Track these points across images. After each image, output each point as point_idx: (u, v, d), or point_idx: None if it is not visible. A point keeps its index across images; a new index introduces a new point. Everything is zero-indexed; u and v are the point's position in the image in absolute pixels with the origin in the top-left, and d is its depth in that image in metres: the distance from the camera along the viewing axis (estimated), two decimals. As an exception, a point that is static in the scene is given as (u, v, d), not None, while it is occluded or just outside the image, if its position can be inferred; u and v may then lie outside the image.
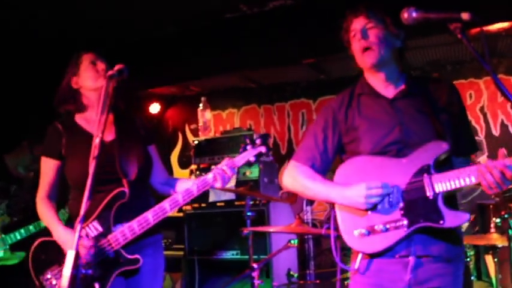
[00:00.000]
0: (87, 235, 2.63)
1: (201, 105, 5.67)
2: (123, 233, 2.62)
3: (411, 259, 2.03)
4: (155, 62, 5.19)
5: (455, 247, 2.09)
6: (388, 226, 2.03)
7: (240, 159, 2.75)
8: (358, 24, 2.16)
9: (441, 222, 1.97)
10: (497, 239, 3.53)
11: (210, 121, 5.73)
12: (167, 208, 2.66)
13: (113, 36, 4.98)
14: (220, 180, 2.68)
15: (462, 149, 2.16)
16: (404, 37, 2.21)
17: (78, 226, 1.94)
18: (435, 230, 2.00)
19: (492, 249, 3.65)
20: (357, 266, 2.13)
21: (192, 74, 5.69)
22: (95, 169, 2.02)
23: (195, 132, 6.55)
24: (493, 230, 3.59)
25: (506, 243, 3.40)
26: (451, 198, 2.09)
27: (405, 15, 1.88)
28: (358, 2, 2.20)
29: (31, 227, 3.94)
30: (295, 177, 2.28)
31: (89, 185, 2.00)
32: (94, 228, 2.64)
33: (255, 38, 4.82)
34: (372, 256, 2.09)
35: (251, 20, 4.70)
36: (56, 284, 2.66)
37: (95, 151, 2.08)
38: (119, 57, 2.50)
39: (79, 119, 2.84)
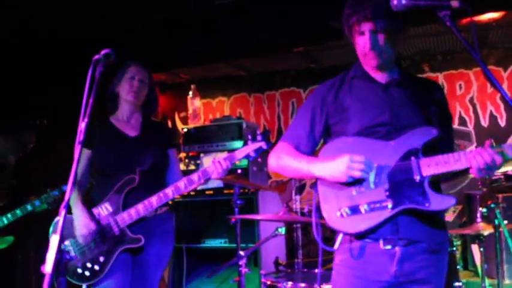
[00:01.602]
0: (99, 214, 3.07)
1: (190, 93, 5.65)
2: (129, 213, 3.02)
3: (398, 249, 2.02)
4: (144, 49, 5.15)
5: (439, 234, 2.10)
6: (372, 206, 2.02)
7: (240, 152, 3.01)
8: (365, 26, 2.10)
9: (427, 205, 1.98)
10: (483, 228, 3.56)
11: (199, 109, 5.71)
12: (170, 194, 3.02)
13: (102, 24, 4.92)
14: (216, 172, 2.99)
15: (445, 147, 2.16)
16: (405, 27, 2.18)
17: (62, 212, 1.93)
18: (420, 213, 2.01)
19: (478, 238, 3.67)
20: (336, 246, 2.12)
21: (181, 62, 5.65)
22: (80, 154, 2.03)
23: (184, 120, 6.53)
24: (479, 219, 3.62)
25: (492, 231, 3.43)
26: (436, 183, 2.10)
27: (395, 1, 1.87)
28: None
29: (18, 211, 3.98)
30: (279, 155, 2.27)
31: (73, 170, 1.99)
32: (105, 208, 3.07)
33: (246, 26, 4.80)
34: (356, 237, 2.08)
35: (241, 7, 4.66)
36: (69, 253, 3.09)
37: (80, 136, 2.07)
38: (108, 44, 2.49)
39: (112, 118, 3.30)
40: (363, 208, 2.03)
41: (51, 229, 3.19)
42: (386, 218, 2.01)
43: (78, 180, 3.15)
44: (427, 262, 2.05)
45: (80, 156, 3.06)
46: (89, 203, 3.15)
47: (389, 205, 2.01)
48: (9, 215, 3.98)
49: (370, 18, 2.05)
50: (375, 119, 2.13)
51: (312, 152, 2.27)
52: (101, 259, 3.02)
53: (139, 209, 3.01)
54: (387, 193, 2.02)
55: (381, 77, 2.22)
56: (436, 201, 1.98)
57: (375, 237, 2.05)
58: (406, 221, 2.03)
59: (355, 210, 2.04)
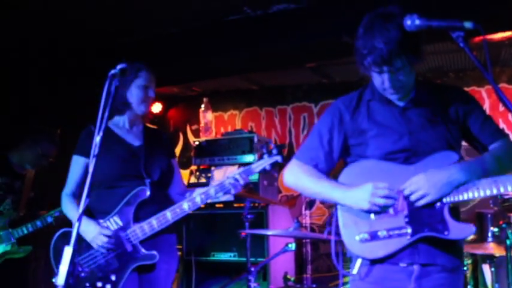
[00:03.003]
0: (107, 228, 2.88)
1: (202, 106, 5.68)
2: (142, 228, 2.86)
3: (416, 268, 2.02)
4: (157, 62, 5.19)
5: (457, 257, 2.09)
6: (391, 233, 2.01)
7: (257, 166, 2.93)
8: (383, 67, 2.00)
9: (446, 233, 1.96)
10: (494, 249, 3.53)
11: (211, 122, 5.74)
12: (186, 208, 2.88)
13: (115, 36, 4.98)
14: (234, 189, 2.87)
15: (488, 139, 2.12)
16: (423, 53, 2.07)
17: (76, 224, 1.95)
18: (439, 240, 1.99)
19: (489, 258, 3.64)
20: (355, 271, 2.11)
21: (194, 75, 5.69)
22: (95, 167, 2.03)
23: (196, 133, 6.56)
24: (490, 239, 3.59)
25: (503, 253, 3.40)
26: (456, 210, 2.07)
27: (408, 22, 1.87)
28: (360, 7, 2.14)
29: (38, 222, 4.06)
30: (299, 175, 2.23)
31: (88, 183, 2.01)
32: (114, 222, 2.90)
33: (258, 41, 4.83)
34: (373, 262, 2.08)
35: (254, 22, 4.70)
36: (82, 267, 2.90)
37: (95, 149, 2.09)
38: (121, 57, 2.52)
39: (111, 124, 3.07)
40: (382, 234, 2.03)
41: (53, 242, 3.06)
42: (405, 245, 2.01)
43: (73, 190, 3.02)
44: (444, 281, 2.04)
45: (76, 165, 3.00)
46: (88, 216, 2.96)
47: (409, 232, 2.00)
48: (29, 225, 4.06)
49: (387, 60, 1.94)
50: (395, 144, 2.10)
51: (330, 171, 2.24)
52: (113, 278, 2.85)
53: (154, 224, 2.86)
54: (406, 219, 2.01)
55: (396, 99, 2.17)
56: (455, 230, 1.96)
57: (393, 262, 2.04)
58: (426, 248, 2.02)
59: (373, 236, 2.04)
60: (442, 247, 2.03)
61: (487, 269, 4.22)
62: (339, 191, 2.11)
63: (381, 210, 2.03)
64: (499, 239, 3.56)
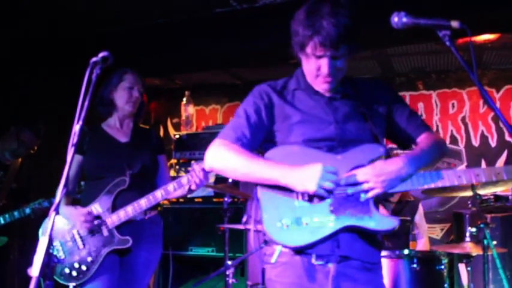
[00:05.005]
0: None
1: (184, 99, 5.64)
2: (118, 214, 3.06)
3: (331, 266, 1.96)
4: (141, 53, 5.14)
5: (374, 254, 2.06)
6: (315, 220, 1.94)
7: None
8: (326, 51, 1.95)
9: (371, 224, 1.94)
10: (471, 248, 3.56)
11: (192, 116, 5.70)
12: (158, 196, 3.06)
13: (98, 27, 4.91)
14: (205, 177, 3.01)
15: (415, 132, 2.15)
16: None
17: (52, 214, 1.91)
18: (361, 231, 1.96)
19: (466, 257, 3.68)
20: (274, 259, 1.99)
21: (177, 68, 5.64)
22: (73, 157, 2.00)
23: (176, 126, 6.51)
24: (468, 239, 3.63)
25: (480, 253, 3.43)
26: (377, 202, 2.04)
27: (395, 19, 1.86)
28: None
29: (15, 213, 4.05)
30: (226, 154, 2.04)
31: (66, 173, 1.97)
32: (95, 209, 3.11)
33: (243, 35, 4.80)
34: (295, 252, 1.99)
35: (240, 16, 4.67)
36: (58, 254, 3.10)
37: (74, 138, 2.05)
38: (104, 47, 2.48)
39: (104, 125, 3.35)
40: (305, 222, 1.95)
41: (40, 231, 3.20)
42: (328, 234, 1.94)
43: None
44: (363, 280, 2.00)
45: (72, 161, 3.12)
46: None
47: (332, 221, 1.94)
48: (6, 216, 4.04)
49: (335, 44, 1.91)
50: (319, 132, 2.04)
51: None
52: (89, 259, 3.05)
53: (128, 211, 3.05)
54: (331, 208, 1.95)
55: (325, 90, 2.13)
56: (379, 222, 1.95)
57: (313, 252, 1.97)
58: (347, 239, 1.97)
59: (296, 223, 1.95)
60: (362, 241, 1.99)
61: (463, 269, 4.27)
62: (279, 169, 1.96)
63: (322, 196, 1.95)
64: (476, 239, 3.59)
